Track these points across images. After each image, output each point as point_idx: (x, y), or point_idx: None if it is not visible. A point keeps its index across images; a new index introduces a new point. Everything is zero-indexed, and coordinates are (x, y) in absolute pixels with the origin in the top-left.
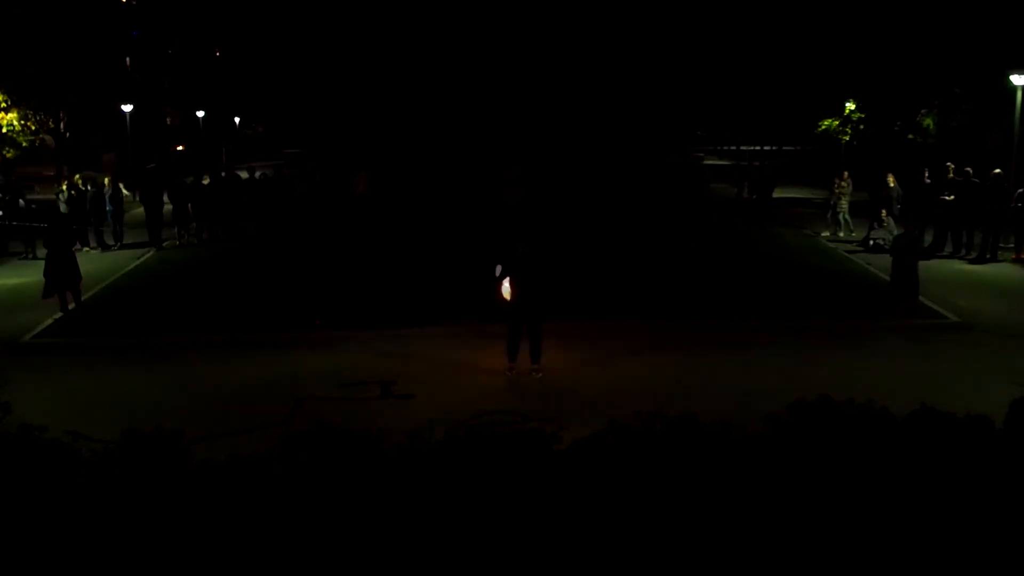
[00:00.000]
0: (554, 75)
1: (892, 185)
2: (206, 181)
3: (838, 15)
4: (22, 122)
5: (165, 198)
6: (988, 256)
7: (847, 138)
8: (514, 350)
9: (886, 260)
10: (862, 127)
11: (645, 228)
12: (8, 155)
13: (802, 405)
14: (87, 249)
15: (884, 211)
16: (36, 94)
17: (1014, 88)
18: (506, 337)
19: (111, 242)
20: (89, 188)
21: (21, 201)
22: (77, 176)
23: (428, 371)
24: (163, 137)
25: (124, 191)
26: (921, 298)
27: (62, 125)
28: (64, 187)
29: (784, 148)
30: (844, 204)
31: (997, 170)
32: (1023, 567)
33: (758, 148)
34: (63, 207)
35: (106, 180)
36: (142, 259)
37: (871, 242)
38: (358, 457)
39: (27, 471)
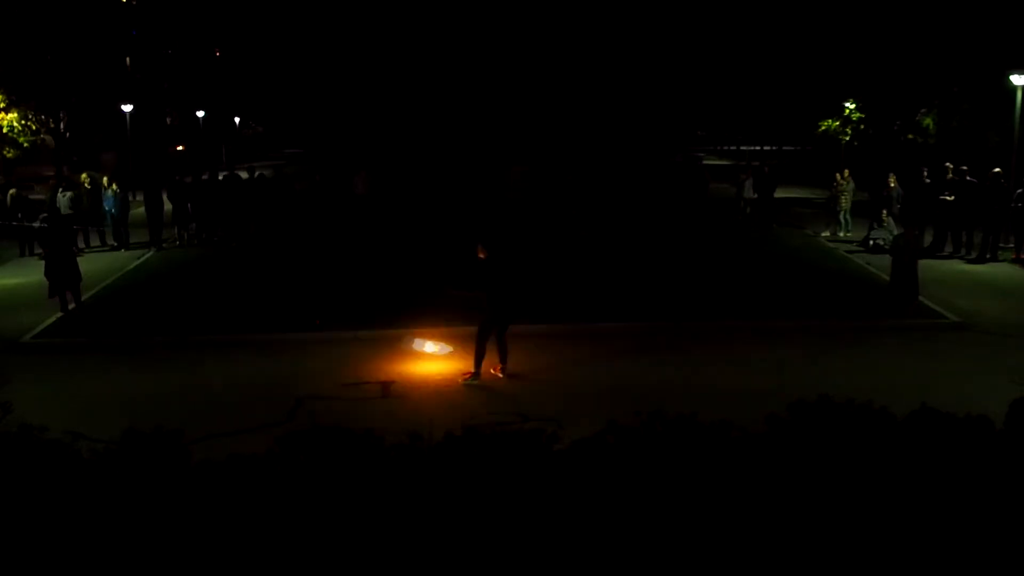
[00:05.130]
0: (556, 74)
1: (892, 185)
2: (205, 177)
3: (838, 15)
4: (22, 122)
5: (165, 198)
6: (988, 256)
7: (847, 138)
8: (481, 358)
9: (886, 260)
10: (862, 127)
11: (646, 227)
12: (8, 155)
13: (802, 405)
14: (86, 250)
15: (884, 211)
16: (36, 94)
17: (1014, 88)
18: (475, 346)
19: (112, 242)
20: (88, 187)
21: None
22: (84, 175)
23: (428, 371)
24: (163, 137)
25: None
26: (921, 298)
27: (62, 125)
28: (68, 192)
29: (784, 148)
30: (844, 202)
31: (996, 169)
32: (1023, 567)
33: (758, 148)
34: (64, 208)
35: (105, 180)
36: (142, 259)
37: (871, 242)
38: (358, 457)
39: (27, 471)
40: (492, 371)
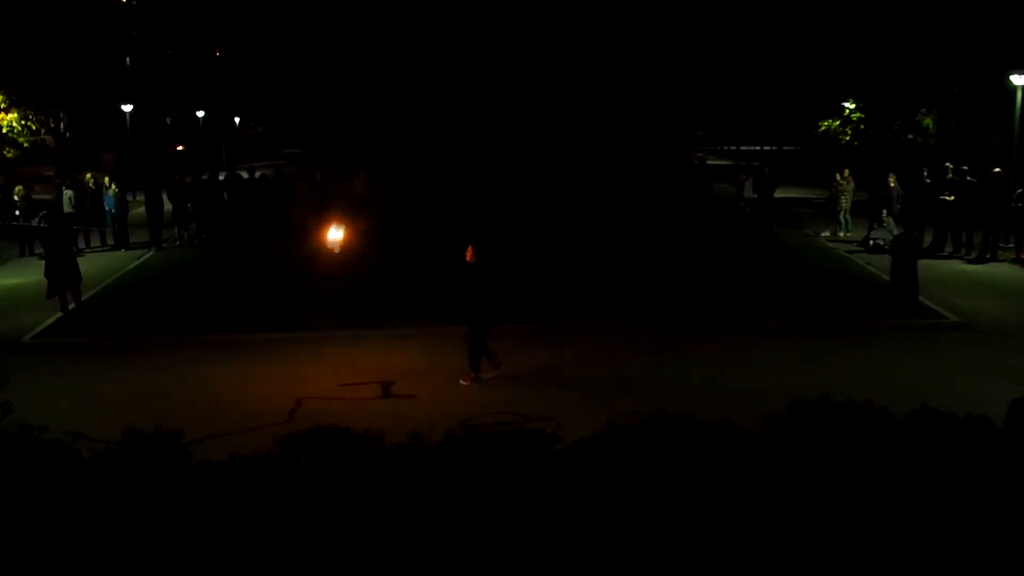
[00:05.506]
0: (557, 74)
1: (892, 185)
2: (205, 177)
3: (838, 15)
4: (22, 122)
5: (165, 198)
6: (988, 256)
7: (847, 138)
8: (478, 360)
9: (886, 260)
10: (862, 127)
11: (647, 227)
12: (8, 155)
13: (802, 405)
14: (86, 250)
15: (884, 211)
16: (36, 94)
17: (1014, 88)
18: (469, 351)
19: (112, 242)
20: (92, 187)
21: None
22: (88, 175)
23: (428, 371)
24: (163, 137)
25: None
26: (921, 298)
27: (62, 125)
28: (70, 190)
29: (784, 148)
30: (844, 202)
31: (997, 169)
32: (1023, 567)
33: (758, 148)
34: (66, 207)
35: (106, 180)
36: (142, 259)
37: (871, 242)
38: (358, 457)
39: (27, 471)
40: (491, 373)
